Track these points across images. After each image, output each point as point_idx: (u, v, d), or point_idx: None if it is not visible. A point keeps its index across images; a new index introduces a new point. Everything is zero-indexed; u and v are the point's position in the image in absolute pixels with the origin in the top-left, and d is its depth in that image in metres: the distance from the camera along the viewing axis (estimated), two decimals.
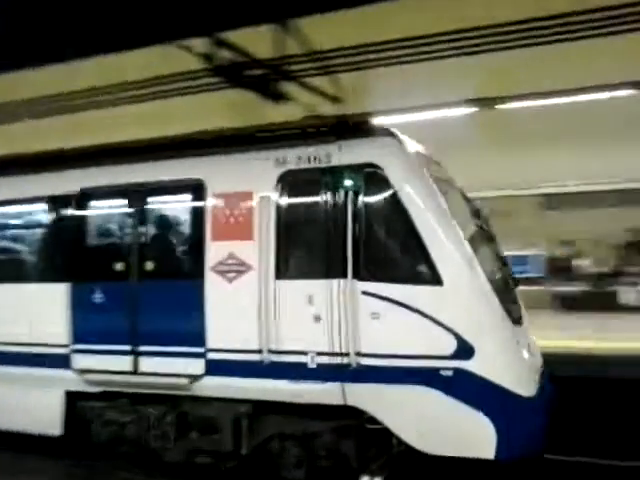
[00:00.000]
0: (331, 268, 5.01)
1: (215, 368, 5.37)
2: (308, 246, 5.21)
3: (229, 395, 5.37)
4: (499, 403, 4.61)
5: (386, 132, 5.18)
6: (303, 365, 5.07)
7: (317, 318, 5.02)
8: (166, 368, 5.55)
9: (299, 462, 5.22)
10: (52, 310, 6.07)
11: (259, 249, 5.24)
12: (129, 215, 5.95)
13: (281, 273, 5.18)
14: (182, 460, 5.64)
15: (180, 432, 5.65)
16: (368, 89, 10.73)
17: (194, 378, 5.45)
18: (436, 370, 4.70)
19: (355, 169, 5.03)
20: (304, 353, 5.07)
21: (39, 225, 6.56)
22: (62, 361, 6.00)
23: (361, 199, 4.99)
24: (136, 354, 5.70)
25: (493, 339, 4.68)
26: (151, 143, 6.33)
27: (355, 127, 5.41)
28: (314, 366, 5.04)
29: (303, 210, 5.28)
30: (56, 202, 6.27)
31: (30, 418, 6.19)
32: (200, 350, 5.43)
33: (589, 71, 9.29)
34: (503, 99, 9.40)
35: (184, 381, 5.47)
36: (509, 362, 4.68)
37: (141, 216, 5.89)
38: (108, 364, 5.80)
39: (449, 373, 4.67)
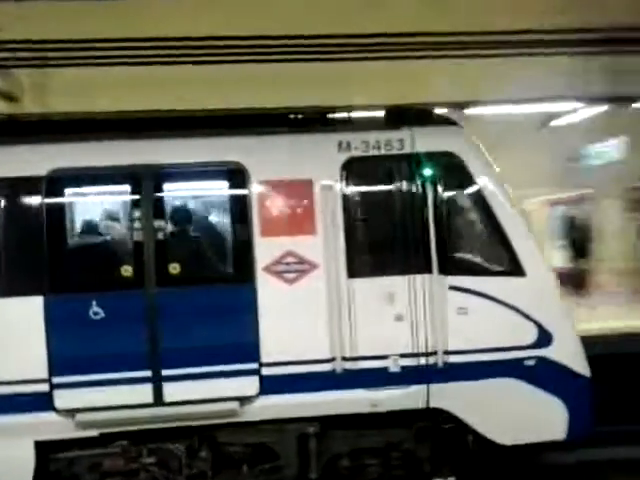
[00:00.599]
0: (414, 263, 4.67)
1: (272, 385, 4.57)
2: (384, 240, 4.75)
3: (291, 415, 4.63)
4: (572, 386, 4.87)
5: (453, 122, 5.02)
6: (384, 370, 4.64)
7: (399, 317, 4.65)
8: (203, 393, 4.54)
9: (378, 475, 4.78)
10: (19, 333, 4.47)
11: (324, 245, 4.63)
12: (140, 205, 4.69)
13: (354, 271, 4.64)
14: None
15: (219, 468, 4.69)
16: (49, 88, 9.76)
17: (245, 400, 4.57)
18: (520, 360, 4.76)
19: (433, 157, 4.76)
20: (384, 357, 4.64)
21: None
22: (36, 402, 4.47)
23: (441, 188, 4.76)
24: (158, 380, 4.54)
25: (567, 326, 4.89)
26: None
27: (424, 114, 5.12)
28: (397, 370, 4.65)
29: (375, 200, 4.80)
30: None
31: None
32: (253, 366, 4.58)
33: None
34: None
35: (232, 405, 4.54)
36: (578, 346, 4.96)
37: (158, 206, 4.70)
38: (116, 398, 4.50)
39: (531, 362, 4.78)
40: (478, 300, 4.70)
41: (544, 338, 4.76)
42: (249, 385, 4.56)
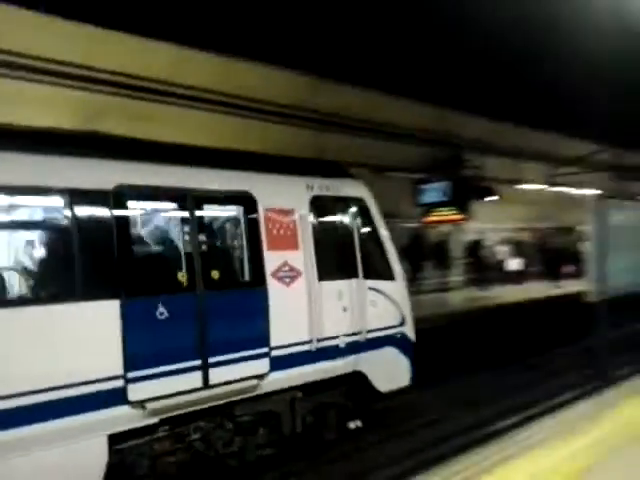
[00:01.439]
0: (350, 271, 6.87)
1: (277, 364, 6.05)
2: (335, 254, 6.78)
3: (288, 385, 6.18)
4: (411, 350, 7.74)
5: (352, 175, 7.40)
6: (337, 346, 6.65)
7: (345, 309, 6.77)
8: (235, 374, 5.68)
9: (334, 423, 6.69)
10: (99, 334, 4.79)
11: (304, 257, 6.41)
12: (187, 222, 5.49)
13: (321, 276, 6.54)
14: (253, 459, 5.81)
15: (243, 434, 5.85)
16: None
17: (260, 377, 5.90)
18: (395, 334, 7.43)
19: (354, 200, 7.08)
20: (337, 337, 6.66)
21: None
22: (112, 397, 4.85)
23: (358, 221, 7.10)
24: (205, 367, 5.46)
25: (409, 311, 7.77)
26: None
27: (342, 169, 7.30)
28: (343, 345, 6.72)
29: (327, 227, 6.82)
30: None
31: None
32: (265, 350, 5.95)
33: None
34: None
35: (253, 382, 5.82)
36: (413, 324, 7.87)
37: (201, 223, 5.61)
38: (176, 385, 5.23)
39: (399, 335, 7.49)
40: (379, 295, 7.20)
41: (403, 320, 7.54)
42: (263, 365, 5.94)
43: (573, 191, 21.00)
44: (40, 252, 5.18)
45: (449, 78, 12.85)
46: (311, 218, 6.61)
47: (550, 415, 5.96)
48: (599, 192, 16.80)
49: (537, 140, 19.07)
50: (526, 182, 19.98)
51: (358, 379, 7.01)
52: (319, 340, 6.45)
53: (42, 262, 5.10)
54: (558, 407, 6.80)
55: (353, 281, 6.89)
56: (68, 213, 4.83)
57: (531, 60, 11.82)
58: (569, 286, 17.41)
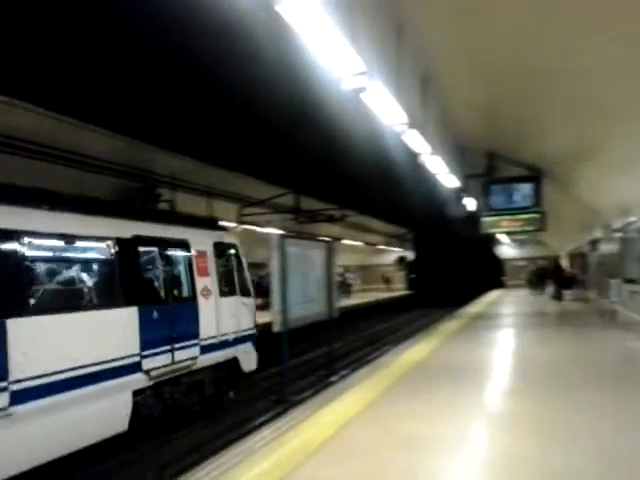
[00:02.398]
0: (232, 290, 10.21)
1: (204, 350, 9.38)
2: (224, 280, 10.04)
3: (207, 364, 9.59)
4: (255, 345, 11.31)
5: (225, 228, 10.68)
6: (227, 340, 9.97)
7: (233, 315, 10.12)
8: (185, 356, 8.96)
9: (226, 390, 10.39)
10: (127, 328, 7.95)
11: (211, 282, 9.64)
12: (162, 258, 9.08)
13: (220, 294, 9.77)
14: (195, 409, 9.77)
15: (186, 394, 9.43)
16: None
17: (195, 358, 9.34)
18: (252, 334, 10.96)
19: (231, 245, 10.51)
20: (227, 334, 10.00)
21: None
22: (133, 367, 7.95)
23: (233, 258, 10.48)
24: (173, 350, 8.67)
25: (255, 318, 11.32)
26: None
27: (220, 224, 10.56)
28: (231, 340, 10.01)
29: (220, 262, 10.09)
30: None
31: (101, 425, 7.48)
32: (197, 341, 9.27)
33: None
34: None
35: (193, 361, 9.19)
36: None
37: (160, 259, 9.05)
38: (164, 361, 8.48)
39: (252, 334, 11.03)
40: (244, 307, 10.64)
41: (254, 324, 11.08)
42: (196, 351, 9.25)
43: (259, 230, 23.55)
44: (99, 275, 7.93)
45: (142, 109, 12.58)
46: (213, 257, 10.02)
47: (236, 444, 5.92)
48: (281, 231, 21.24)
49: (229, 181, 18.95)
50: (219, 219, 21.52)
51: (234, 362, 10.40)
52: (221, 335, 9.78)
53: (99, 282, 7.85)
54: (244, 435, 6.90)
55: (234, 297, 10.30)
56: (114, 251, 7.61)
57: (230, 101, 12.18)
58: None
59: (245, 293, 10.96)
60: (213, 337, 9.65)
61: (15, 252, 6.32)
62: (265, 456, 5.33)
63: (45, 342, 6.43)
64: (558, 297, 26.37)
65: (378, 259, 51.72)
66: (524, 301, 28.02)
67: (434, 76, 10.91)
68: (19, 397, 5.98)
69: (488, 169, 17.29)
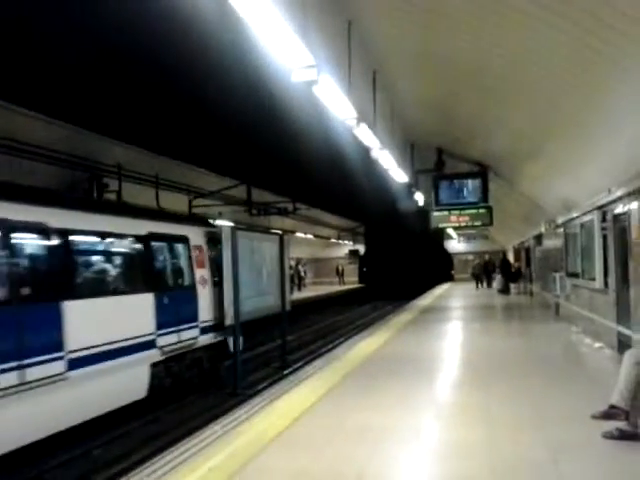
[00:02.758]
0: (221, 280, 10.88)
1: (202, 332, 10.65)
2: (217, 272, 11.01)
3: (205, 344, 10.91)
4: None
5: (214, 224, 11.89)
6: (213, 325, 11.01)
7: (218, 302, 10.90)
8: (188, 336, 10.30)
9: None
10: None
11: (207, 273, 10.74)
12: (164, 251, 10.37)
13: (213, 284, 10.84)
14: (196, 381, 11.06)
15: (189, 368, 10.78)
16: None
17: (196, 338, 10.51)
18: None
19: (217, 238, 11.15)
20: (211, 320, 10.88)
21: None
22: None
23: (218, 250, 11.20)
24: (179, 331, 10.04)
25: None
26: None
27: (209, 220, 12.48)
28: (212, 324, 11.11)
29: (211, 254, 11.21)
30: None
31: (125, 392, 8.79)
32: (197, 324, 10.54)
33: None
34: None
35: (194, 340, 10.53)
36: None
37: (167, 252, 10.42)
38: (172, 339, 9.77)
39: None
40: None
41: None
42: (196, 332, 10.48)
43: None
44: (127, 266, 9.45)
45: (86, 96, 10.67)
46: (206, 249, 10.97)
47: (187, 439, 5.81)
48: (231, 224, 21.16)
49: (178, 171, 19.30)
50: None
51: (225, 344, 11.60)
52: (214, 320, 10.86)
53: (127, 272, 9.42)
54: (194, 430, 6.79)
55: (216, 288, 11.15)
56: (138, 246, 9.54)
57: (174, 88, 10.61)
58: None
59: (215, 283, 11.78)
60: (209, 321, 10.88)
61: (67, 246, 7.84)
62: (219, 448, 5.33)
63: (90, 320, 7.85)
64: (505, 290, 27.19)
65: (331, 252, 51.96)
66: (472, 294, 28.67)
67: (384, 71, 11.00)
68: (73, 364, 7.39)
69: (437, 164, 17.58)
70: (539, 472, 4.59)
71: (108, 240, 9.00)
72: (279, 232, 18.23)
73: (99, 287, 8.61)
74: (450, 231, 32.60)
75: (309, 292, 37.39)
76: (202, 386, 11.13)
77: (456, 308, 21.49)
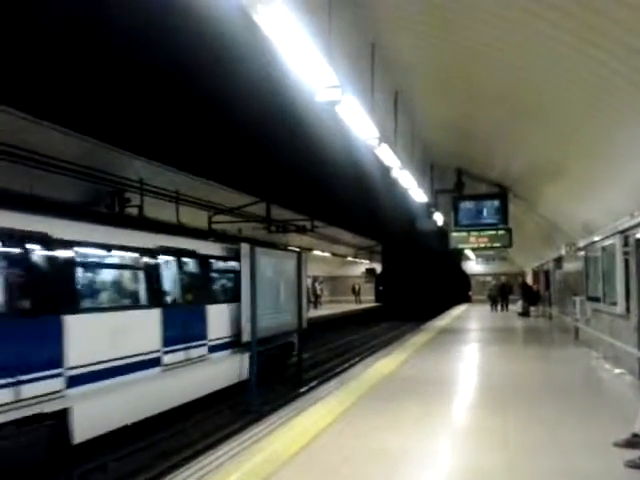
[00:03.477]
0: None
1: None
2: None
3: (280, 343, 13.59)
4: None
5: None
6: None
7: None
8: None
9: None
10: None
11: None
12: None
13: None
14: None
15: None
16: None
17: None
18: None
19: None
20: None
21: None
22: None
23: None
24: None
25: None
26: None
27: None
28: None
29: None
30: None
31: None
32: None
33: None
34: None
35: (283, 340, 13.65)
36: None
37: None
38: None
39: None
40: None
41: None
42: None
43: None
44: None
45: (110, 112, 10.92)
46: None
47: (203, 456, 5.81)
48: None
49: (198, 187, 19.43)
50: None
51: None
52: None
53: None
54: (211, 447, 6.92)
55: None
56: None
57: (193, 104, 10.77)
58: None
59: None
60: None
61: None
62: (236, 466, 5.31)
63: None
64: (525, 313, 27.00)
65: (347, 270, 51.85)
66: (489, 316, 28.41)
67: (406, 92, 11.06)
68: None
69: (457, 185, 17.54)
70: None
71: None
72: (297, 249, 18.28)
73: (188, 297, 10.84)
74: (468, 252, 32.41)
75: (325, 310, 37.23)
76: (279, 375, 14.25)
77: (474, 330, 21.29)
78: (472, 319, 27.01)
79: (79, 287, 7.92)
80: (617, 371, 10.57)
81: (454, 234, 17.90)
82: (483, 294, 41.01)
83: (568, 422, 6.91)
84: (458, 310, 34.07)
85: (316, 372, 16.05)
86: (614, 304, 10.89)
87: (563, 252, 17.07)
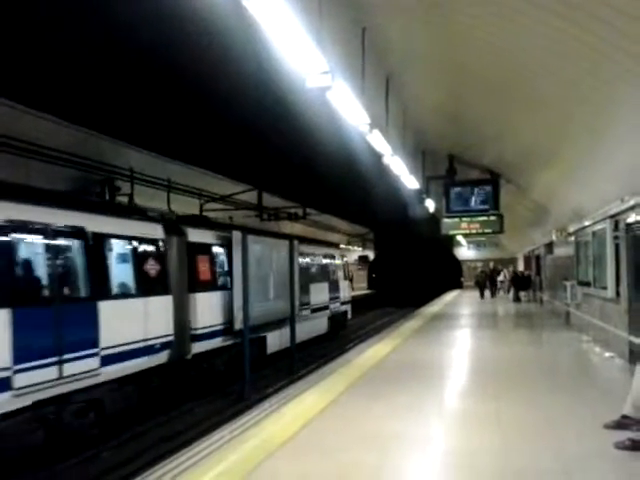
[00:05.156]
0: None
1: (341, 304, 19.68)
2: None
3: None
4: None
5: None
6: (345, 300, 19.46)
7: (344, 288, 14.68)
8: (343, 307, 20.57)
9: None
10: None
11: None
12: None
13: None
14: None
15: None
16: None
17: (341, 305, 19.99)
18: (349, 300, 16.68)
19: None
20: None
21: None
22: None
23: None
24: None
25: None
26: None
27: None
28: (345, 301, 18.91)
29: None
30: None
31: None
32: (341, 299, 19.67)
33: None
34: None
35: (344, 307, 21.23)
36: None
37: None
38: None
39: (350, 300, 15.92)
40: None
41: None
42: (338, 304, 20.27)
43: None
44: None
45: (100, 100, 10.68)
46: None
47: (197, 443, 5.78)
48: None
49: (190, 175, 19.28)
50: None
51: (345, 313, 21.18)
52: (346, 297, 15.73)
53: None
54: (204, 434, 6.89)
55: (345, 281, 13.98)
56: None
57: (191, 94, 10.75)
58: None
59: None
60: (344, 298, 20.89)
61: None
62: (229, 452, 5.33)
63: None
64: (516, 299, 27.30)
65: None
66: (480, 302, 28.54)
67: (397, 78, 11.01)
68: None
69: (449, 171, 17.53)
70: None
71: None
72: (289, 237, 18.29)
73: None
74: (460, 238, 32.48)
75: None
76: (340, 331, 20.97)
77: (465, 315, 21.40)
78: (463, 305, 27.13)
79: None
80: (607, 354, 10.66)
81: (446, 220, 17.91)
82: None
83: (559, 405, 6.98)
84: (450, 296, 34.21)
85: (310, 358, 16.09)
86: (604, 288, 10.97)
87: (554, 237, 17.14)
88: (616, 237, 10.33)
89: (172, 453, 5.96)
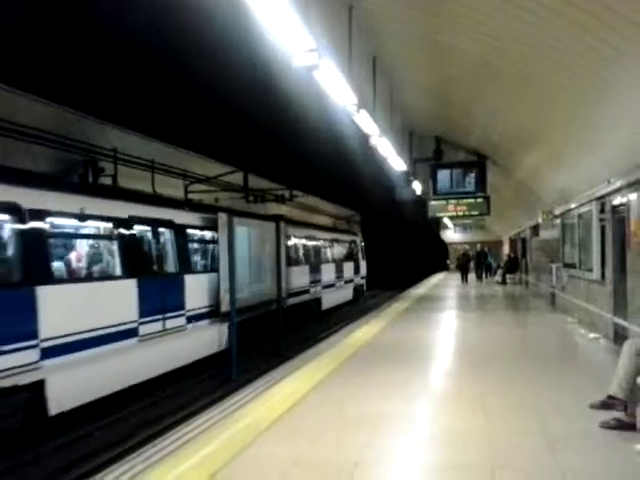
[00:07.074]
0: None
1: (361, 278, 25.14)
2: None
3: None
4: None
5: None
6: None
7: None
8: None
9: None
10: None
11: None
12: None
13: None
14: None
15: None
16: None
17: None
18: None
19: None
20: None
21: None
22: None
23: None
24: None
25: None
26: None
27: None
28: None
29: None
30: None
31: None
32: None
33: None
34: None
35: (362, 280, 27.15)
36: None
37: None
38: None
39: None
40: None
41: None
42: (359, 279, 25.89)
43: None
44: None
45: (82, 79, 10.61)
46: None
47: (183, 425, 5.74)
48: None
49: (173, 156, 18.64)
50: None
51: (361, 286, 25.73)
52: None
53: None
54: (191, 416, 6.86)
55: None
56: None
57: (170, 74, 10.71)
58: None
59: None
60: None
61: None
62: (215, 434, 5.31)
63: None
64: (502, 282, 27.59)
65: None
66: (466, 285, 28.68)
67: (384, 57, 10.89)
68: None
69: (436, 153, 17.49)
70: (537, 461, 4.58)
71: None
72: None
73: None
74: (446, 221, 32.52)
75: None
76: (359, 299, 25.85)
77: (451, 297, 21.51)
78: (449, 287, 27.27)
79: None
80: (592, 335, 10.76)
81: (433, 202, 17.91)
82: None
83: (545, 386, 7.02)
84: (436, 278, 34.36)
85: (294, 340, 16.10)
86: (590, 270, 11.03)
87: (540, 220, 17.21)
88: (602, 219, 10.37)
89: (159, 435, 5.96)
